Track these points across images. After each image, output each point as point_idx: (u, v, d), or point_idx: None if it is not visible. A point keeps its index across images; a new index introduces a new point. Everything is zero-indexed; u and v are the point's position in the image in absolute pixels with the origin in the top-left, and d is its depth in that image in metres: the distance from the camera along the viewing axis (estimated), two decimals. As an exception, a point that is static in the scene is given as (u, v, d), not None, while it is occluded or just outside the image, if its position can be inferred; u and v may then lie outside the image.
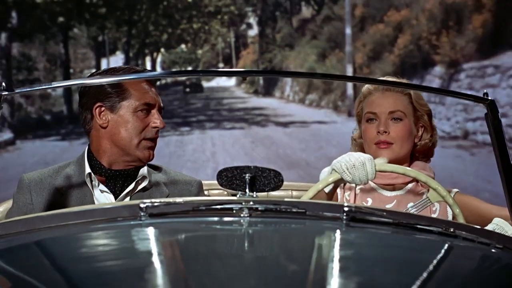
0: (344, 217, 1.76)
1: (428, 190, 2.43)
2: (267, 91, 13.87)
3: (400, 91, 2.64)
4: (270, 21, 14.39)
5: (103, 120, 2.58)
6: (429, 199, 2.43)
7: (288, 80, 13.89)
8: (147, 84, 2.60)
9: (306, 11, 14.16)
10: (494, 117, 2.13)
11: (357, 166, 2.29)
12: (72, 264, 1.59)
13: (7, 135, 12.41)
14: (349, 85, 11.50)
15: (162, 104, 2.63)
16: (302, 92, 13.24)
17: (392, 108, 2.62)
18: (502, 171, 2.09)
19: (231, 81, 14.37)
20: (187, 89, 15.42)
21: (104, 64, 16.07)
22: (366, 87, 2.70)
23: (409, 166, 2.61)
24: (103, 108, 2.58)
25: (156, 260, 1.58)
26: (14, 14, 14.03)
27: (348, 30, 12.77)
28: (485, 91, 2.17)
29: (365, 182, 2.31)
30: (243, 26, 15.14)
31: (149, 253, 1.63)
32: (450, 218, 2.56)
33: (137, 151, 2.56)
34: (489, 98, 2.13)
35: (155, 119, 2.58)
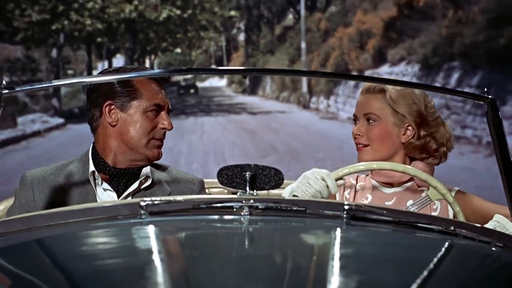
0: (345, 216, 1.76)
1: (428, 188, 2.43)
2: (252, 90, 16.52)
3: (378, 92, 2.63)
4: (255, 28, 16.38)
5: (113, 118, 2.58)
6: (429, 197, 2.43)
7: (269, 80, 16.59)
8: (157, 85, 2.60)
9: (289, 19, 16.39)
10: (494, 115, 2.13)
11: (315, 186, 2.33)
12: (72, 262, 1.59)
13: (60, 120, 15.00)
14: (304, 83, 14.50)
15: (170, 107, 2.64)
16: (277, 90, 16.06)
17: (366, 110, 2.64)
18: (503, 169, 2.09)
19: (223, 82, 17.18)
20: (181, 91, 17.46)
21: (101, 67, 16.76)
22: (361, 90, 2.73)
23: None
24: (113, 106, 2.58)
25: (156, 258, 1.58)
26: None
27: (303, 45, 15.89)
28: (485, 89, 2.16)
29: (327, 196, 2.34)
30: (234, 31, 16.82)
31: (150, 251, 1.63)
32: (451, 216, 2.56)
33: (146, 150, 2.57)
34: (489, 96, 2.12)
35: (164, 120, 2.59)
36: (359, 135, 2.63)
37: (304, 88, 13.87)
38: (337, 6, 15.38)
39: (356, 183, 2.70)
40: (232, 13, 13.50)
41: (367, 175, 2.72)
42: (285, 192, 2.40)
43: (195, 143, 10.41)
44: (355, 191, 2.68)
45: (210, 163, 9.47)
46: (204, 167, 9.27)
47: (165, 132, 2.60)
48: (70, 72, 15.55)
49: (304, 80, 14.70)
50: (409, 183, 2.65)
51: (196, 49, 15.68)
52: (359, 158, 2.62)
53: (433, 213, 2.57)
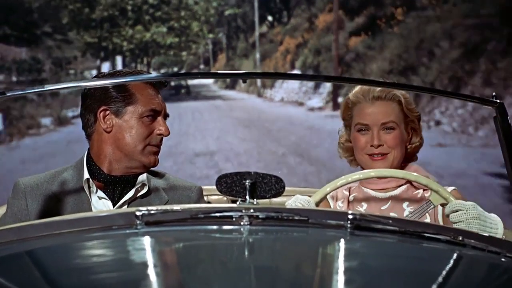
0: (349, 225, 1.70)
1: (429, 193, 2.38)
2: (232, 86, 20.17)
3: (391, 99, 2.58)
4: (234, 36, 20.37)
5: (107, 124, 2.51)
6: (431, 202, 2.38)
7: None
8: (153, 90, 2.54)
9: (264, 28, 19.88)
10: (503, 120, 2.10)
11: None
12: (64, 276, 1.53)
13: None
14: (259, 80, 17.75)
15: (167, 111, 2.57)
16: (247, 86, 19.26)
17: (384, 119, 2.57)
18: (511, 174, 2.05)
19: (210, 80, 19.82)
20: (172, 91, 19.60)
21: (105, 67, 17.92)
22: (355, 94, 2.62)
23: (403, 169, 2.56)
24: (108, 112, 2.51)
25: (152, 271, 1.52)
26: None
27: (257, 55, 19.22)
28: (493, 93, 2.12)
29: None
30: (220, 34, 20.36)
31: (146, 264, 1.57)
32: (440, 214, 2.52)
33: (142, 156, 2.51)
34: (498, 101, 2.08)
35: (161, 126, 2.52)
36: (381, 145, 2.55)
37: (259, 83, 18.74)
38: (300, 20, 18.59)
39: (349, 194, 2.64)
40: (211, 35, 19.16)
41: (357, 186, 2.66)
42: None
43: (186, 114, 14.62)
44: (348, 202, 2.62)
45: (196, 122, 14.26)
46: (192, 124, 13.79)
47: (161, 138, 2.54)
48: (71, 71, 18.11)
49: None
50: (404, 186, 2.59)
51: (187, 52, 19.85)
52: (376, 168, 2.53)
53: (439, 217, 2.52)
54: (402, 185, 2.59)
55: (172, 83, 19.08)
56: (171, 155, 11.03)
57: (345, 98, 2.68)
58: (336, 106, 12.94)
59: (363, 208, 2.59)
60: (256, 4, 19.19)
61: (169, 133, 2.53)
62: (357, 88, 2.63)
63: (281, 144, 11.65)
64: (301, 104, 14.74)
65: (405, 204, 2.52)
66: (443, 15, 13.39)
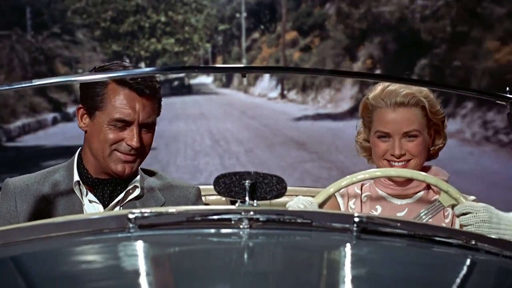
0: (355, 228, 1.61)
1: (440, 194, 2.28)
2: (227, 85, 25.83)
3: (414, 104, 2.45)
4: (230, 42, 26.09)
5: (84, 123, 2.41)
6: (441, 203, 2.28)
7: (236, 79, 25.71)
8: (130, 97, 2.35)
9: (256, 34, 25.66)
10: (517, 116, 2.00)
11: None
12: (52, 283, 1.46)
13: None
14: (245, 80, 23.82)
15: (149, 120, 2.37)
16: (238, 84, 25.14)
17: (407, 128, 2.44)
18: None
19: (209, 79, 26.33)
20: (175, 90, 24.58)
21: None
22: (376, 97, 2.48)
23: (424, 171, 2.46)
24: (84, 111, 2.41)
25: (146, 277, 1.44)
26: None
27: (244, 60, 24.77)
28: (507, 88, 2.02)
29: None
30: (219, 38, 26.16)
31: (139, 270, 1.49)
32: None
33: (110, 163, 2.37)
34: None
35: (130, 136, 2.35)
36: (403, 154, 2.44)
37: (245, 82, 23.50)
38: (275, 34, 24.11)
39: (361, 192, 2.53)
40: (208, 45, 25.68)
41: (371, 185, 2.55)
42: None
43: (189, 103, 20.89)
44: (361, 202, 2.51)
45: (196, 107, 20.22)
46: (193, 108, 19.84)
47: (132, 149, 2.36)
48: (80, 71, 21.68)
49: (248, 77, 22.91)
50: (421, 193, 2.49)
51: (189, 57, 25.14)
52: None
53: (446, 220, 2.42)
54: (419, 191, 2.50)
55: (175, 82, 24.05)
56: (182, 117, 17.68)
57: (364, 98, 2.55)
58: (282, 96, 21.49)
59: (377, 212, 2.49)
60: (243, 21, 25.75)
61: (138, 145, 2.34)
62: (378, 90, 2.49)
63: (250, 119, 18.05)
64: (264, 96, 22.43)
65: (423, 213, 2.40)
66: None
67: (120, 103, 2.35)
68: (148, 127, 2.39)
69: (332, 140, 13.09)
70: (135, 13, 22.73)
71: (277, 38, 22.99)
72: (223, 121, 17.33)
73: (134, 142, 2.34)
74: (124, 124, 2.36)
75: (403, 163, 2.45)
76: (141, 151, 2.39)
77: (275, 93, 21.89)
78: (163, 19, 23.15)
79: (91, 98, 2.37)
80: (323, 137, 13.63)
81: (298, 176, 10.50)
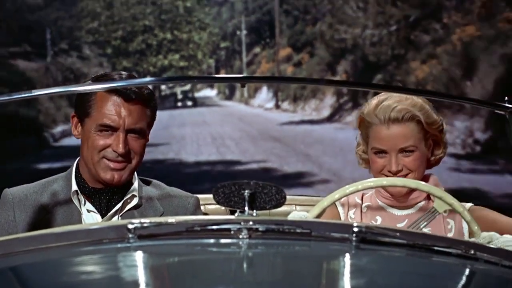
0: (354, 238, 1.60)
1: (433, 201, 2.28)
2: (230, 98, 26.27)
3: (408, 120, 2.42)
4: (232, 56, 27.24)
5: (77, 131, 2.42)
6: (436, 210, 2.27)
7: (238, 92, 26.33)
8: (116, 103, 2.36)
9: (257, 48, 26.56)
10: (516, 126, 1.99)
11: None
12: None
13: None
14: (245, 91, 24.63)
15: (136, 126, 2.37)
16: (239, 96, 25.59)
17: (402, 144, 2.42)
18: None
19: (213, 92, 27.27)
20: (178, 103, 25.61)
21: None
22: (369, 115, 2.46)
23: (422, 180, 2.45)
24: (76, 119, 2.42)
25: (145, 287, 1.43)
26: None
27: (245, 74, 24.01)
28: (506, 98, 2.01)
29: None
30: (222, 52, 27.50)
31: (138, 280, 1.48)
32: (466, 233, 2.40)
33: (99, 170, 2.37)
34: (510, 105, 1.97)
35: (116, 142, 2.35)
36: (400, 170, 2.43)
37: (245, 94, 24.66)
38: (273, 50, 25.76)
39: (362, 202, 2.52)
40: (211, 60, 26.99)
41: (372, 195, 2.54)
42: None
43: (195, 114, 21.58)
44: (361, 212, 2.50)
45: (201, 117, 21.22)
46: (199, 118, 20.97)
47: (119, 156, 2.36)
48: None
49: (248, 90, 24.02)
50: (422, 203, 2.48)
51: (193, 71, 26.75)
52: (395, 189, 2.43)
53: (449, 234, 2.41)
54: (419, 202, 2.49)
55: (180, 95, 25.89)
56: (188, 124, 19.45)
57: (359, 111, 2.53)
58: (277, 106, 22.73)
59: (377, 222, 2.47)
60: (243, 38, 27.51)
61: (123, 151, 2.34)
62: (373, 105, 2.46)
63: (245, 124, 19.79)
64: (262, 106, 23.41)
65: (422, 224, 2.39)
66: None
67: (107, 109, 2.36)
68: (136, 133, 2.39)
69: (304, 138, 17.14)
70: (143, 33, 25.54)
71: (274, 53, 25.53)
72: (222, 126, 19.92)
73: (120, 148, 2.34)
74: (110, 130, 2.36)
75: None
76: (129, 158, 2.38)
77: (271, 104, 23.69)
78: (169, 37, 25.87)
79: (81, 106, 2.39)
80: (298, 136, 17.50)
81: (266, 157, 15.04)
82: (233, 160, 15.09)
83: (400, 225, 2.45)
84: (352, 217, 2.49)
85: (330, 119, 18.98)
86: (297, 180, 13.11)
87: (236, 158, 15.37)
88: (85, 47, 24.00)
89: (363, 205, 2.51)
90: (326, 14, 21.44)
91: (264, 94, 25.02)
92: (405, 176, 2.43)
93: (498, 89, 13.84)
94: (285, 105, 23.31)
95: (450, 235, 2.42)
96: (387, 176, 2.43)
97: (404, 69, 17.31)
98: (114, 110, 2.36)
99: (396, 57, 17.60)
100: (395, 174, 2.41)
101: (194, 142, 17.37)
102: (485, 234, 2.10)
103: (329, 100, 19.98)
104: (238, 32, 28.19)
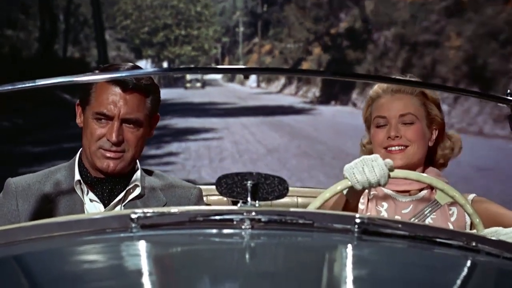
0: (356, 229, 1.61)
1: (436, 192, 2.28)
2: (232, 80, 36.30)
3: (411, 92, 2.51)
4: (234, 45, 35.23)
5: (80, 119, 2.44)
6: (438, 202, 2.29)
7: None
8: (113, 92, 2.36)
9: (256, 39, 36.29)
10: (518, 118, 1.99)
11: (377, 173, 2.13)
12: (54, 283, 1.44)
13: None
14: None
15: (131, 116, 2.36)
16: (239, 78, 35.10)
17: (402, 111, 2.49)
18: None
19: (219, 76, 37.06)
20: (188, 85, 35.26)
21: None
22: (374, 90, 2.56)
23: (423, 172, 2.47)
24: (80, 107, 2.44)
25: (148, 277, 1.44)
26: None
27: (241, 62, 36.87)
28: (508, 91, 2.01)
29: (376, 184, 2.13)
30: (226, 38, 36.67)
31: (141, 270, 1.48)
32: (467, 223, 2.43)
33: (96, 159, 2.37)
34: (513, 98, 1.98)
35: (110, 131, 2.35)
36: (397, 136, 2.47)
37: (242, 78, 29.80)
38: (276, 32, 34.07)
39: (369, 190, 2.53)
40: (215, 50, 37.35)
41: None
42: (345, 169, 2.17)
43: (202, 93, 31.45)
44: (368, 199, 2.52)
45: (207, 95, 31.11)
46: (205, 95, 31.37)
47: (114, 145, 2.35)
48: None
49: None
50: (425, 191, 2.50)
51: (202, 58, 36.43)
52: (394, 163, 2.43)
53: (451, 218, 2.42)
54: (424, 189, 2.50)
55: (189, 77, 34.19)
56: (197, 98, 29.01)
57: (366, 100, 2.61)
58: (258, 85, 34.20)
59: (383, 208, 2.50)
60: (240, 34, 36.67)
61: (116, 140, 2.34)
62: (378, 85, 2.57)
63: (243, 101, 28.13)
64: (250, 86, 32.73)
65: (427, 211, 2.41)
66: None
67: (104, 97, 2.37)
68: (131, 123, 2.38)
69: (262, 99, 29.33)
70: (164, 29, 34.21)
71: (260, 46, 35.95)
72: (220, 98, 29.10)
73: (113, 137, 2.34)
74: (106, 118, 2.36)
75: (400, 147, 2.46)
76: (124, 148, 2.37)
77: (255, 84, 35.51)
78: (183, 32, 34.63)
79: (83, 94, 2.40)
80: (260, 98, 29.66)
81: (237, 101, 28.18)
82: (220, 102, 28.15)
83: (404, 211, 2.48)
84: (362, 203, 2.50)
85: (280, 91, 32.19)
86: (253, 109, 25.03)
87: (223, 101, 28.57)
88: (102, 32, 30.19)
89: (370, 193, 2.53)
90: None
91: (254, 78, 35.50)
92: (405, 148, 2.46)
93: None
94: (263, 84, 35.52)
95: (452, 219, 2.44)
96: (387, 148, 2.45)
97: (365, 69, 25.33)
98: (110, 99, 2.36)
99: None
100: (393, 139, 2.44)
101: (201, 111, 25.66)
102: (490, 230, 2.10)
103: (283, 81, 32.85)
104: (236, 29, 37.42)
